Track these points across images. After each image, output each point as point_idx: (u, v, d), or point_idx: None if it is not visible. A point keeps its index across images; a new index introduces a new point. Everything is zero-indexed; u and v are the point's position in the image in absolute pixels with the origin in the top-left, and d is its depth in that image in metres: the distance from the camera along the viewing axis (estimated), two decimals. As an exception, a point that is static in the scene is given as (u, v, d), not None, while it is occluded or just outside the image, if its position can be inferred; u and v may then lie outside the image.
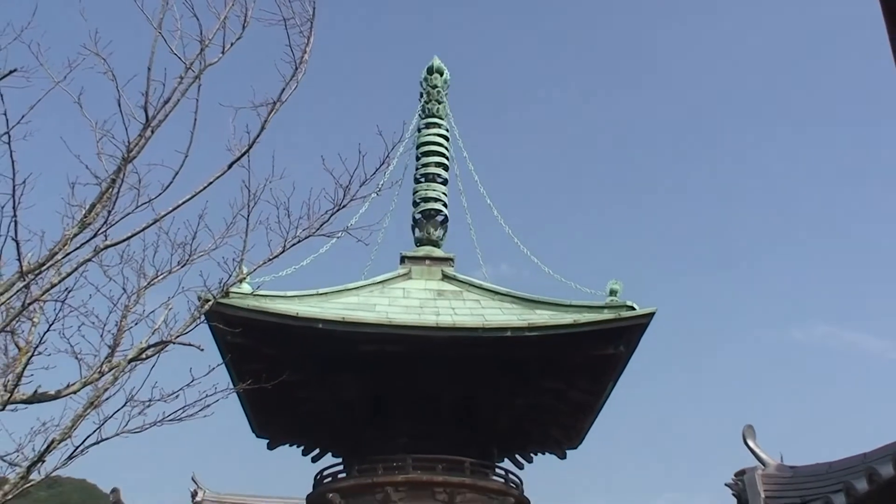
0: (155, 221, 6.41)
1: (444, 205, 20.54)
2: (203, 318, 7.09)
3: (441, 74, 21.26)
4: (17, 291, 6.14)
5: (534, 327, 17.00)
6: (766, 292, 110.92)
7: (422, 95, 21.19)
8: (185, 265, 6.81)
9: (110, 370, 6.53)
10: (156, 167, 6.36)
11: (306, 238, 6.91)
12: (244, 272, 7.38)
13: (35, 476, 6.57)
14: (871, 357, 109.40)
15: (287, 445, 20.92)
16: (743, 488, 9.93)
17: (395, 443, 17.89)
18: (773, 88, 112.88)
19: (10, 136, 5.89)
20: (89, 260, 6.32)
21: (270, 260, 6.97)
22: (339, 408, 19.16)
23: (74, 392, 6.48)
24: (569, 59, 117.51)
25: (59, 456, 6.58)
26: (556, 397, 19.37)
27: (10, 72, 5.83)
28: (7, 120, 5.86)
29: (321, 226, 6.90)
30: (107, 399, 6.58)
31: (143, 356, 6.65)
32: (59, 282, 6.28)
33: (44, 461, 6.50)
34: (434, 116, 20.88)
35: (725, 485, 10.52)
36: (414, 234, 20.52)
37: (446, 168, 20.73)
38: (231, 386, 7.35)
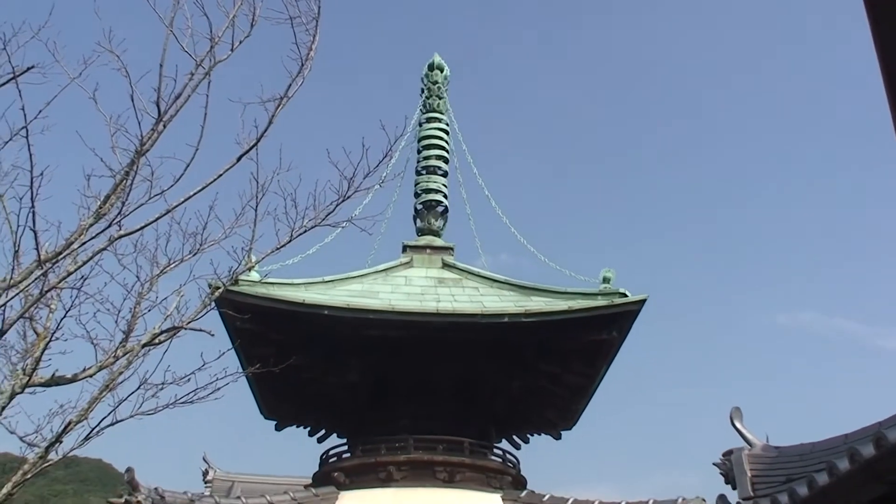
0: (167, 212, 6.41)
1: (445, 196, 20.52)
2: (213, 304, 7.11)
3: (441, 71, 21.20)
4: (36, 279, 6.15)
5: (530, 313, 17.01)
6: (755, 280, 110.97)
7: (423, 91, 21.13)
8: (196, 254, 6.81)
9: (124, 355, 6.54)
10: (168, 160, 6.36)
11: (312, 228, 6.91)
12: (253, 261, 7.39)
13: (53, 456, 6.59)
14: (855, 342, 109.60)
15: (294, 427, 20.93)
16: (730, 467, 9.94)
17: (397, 424, 17.92)
18: (764, 85, 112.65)
19: (28, 131, 5.89)
20: (104, 249, 6.32)
21: (278, 249, 6.97)
22: (344, 390, 19.19)
23: (90, 376, 6.50)
24: (564, 54, 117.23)
25: (75, 437, 6.60)
26: (551, 380, 19.38)
27: (28, 68, 5.82)
28: (25, 115, 5.86)
29: (326, 216, 6.90)
30: (121, 382, 6.59)
31: (156, 341, 6.66)
32: (76, 270, 6.29)
33: (61, 442, 6.51)
34: (435, 111, 20.83)
35: (714, 464, 10.52)
36: (415, 224, 20.50)
37: (446, 161, 20.70)
38: (240, 370, 7.37)
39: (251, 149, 6.48)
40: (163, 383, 6.69)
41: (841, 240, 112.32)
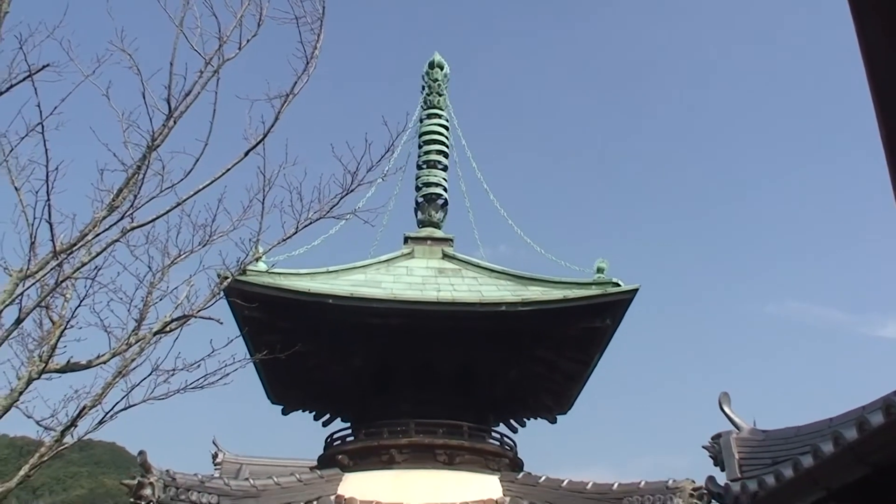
0: (178, 205, 6.40)
1: (445, 189, 20.56)
2: (222, 293, 7.10)
3: (441, 69, 21.18)
4: (51, 270, 6.15)
5: (527, 302, 17.04)
6: (745, 271, 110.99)
7: (423, 88, 21.11)
8: (205, 245, 6.81)
9: (137, 342, 6.54)
10: (178, 155, 6.35)
11: (317, 220, 6.90)
12: (260, 252, 7.39)
13: (68, 439, 6.59)
14: (839, 330, 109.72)
15: (300, 411, 20.98)
16: (719, 450, 9.94)
17: (399, 408, 17.96)
18: (754, 80, 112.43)
19: (43, 127, 5.88)
20: (117, 240, 6.31)
21: (284, 240, 6.96)
22: (348, 376, 19.22)
23: (104, 362, 6.50)
24: (560, 52, 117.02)
25: (90, 421, 6.60)
26: (547, 367, 19.42)
27: (44, 66, 5.81)
28: (41, 111, 5.85)
29: (331, 209, 6.89)
30: (134, 369, 6.59)
31: (167, 329, 6.66)
32: (90, 261, 6.29)
33: (76, 426, 6.52)
34: (435, 108, 20.82)
35: (703, 447, 10.52)
36: (416, 216, 20.52)
37: (446, 155, 20.71)
38: (248, 356, 7.36)
39: (258, 144, 6.47)
40: (174, 369, 6.69)
41: (825, 230, 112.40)
